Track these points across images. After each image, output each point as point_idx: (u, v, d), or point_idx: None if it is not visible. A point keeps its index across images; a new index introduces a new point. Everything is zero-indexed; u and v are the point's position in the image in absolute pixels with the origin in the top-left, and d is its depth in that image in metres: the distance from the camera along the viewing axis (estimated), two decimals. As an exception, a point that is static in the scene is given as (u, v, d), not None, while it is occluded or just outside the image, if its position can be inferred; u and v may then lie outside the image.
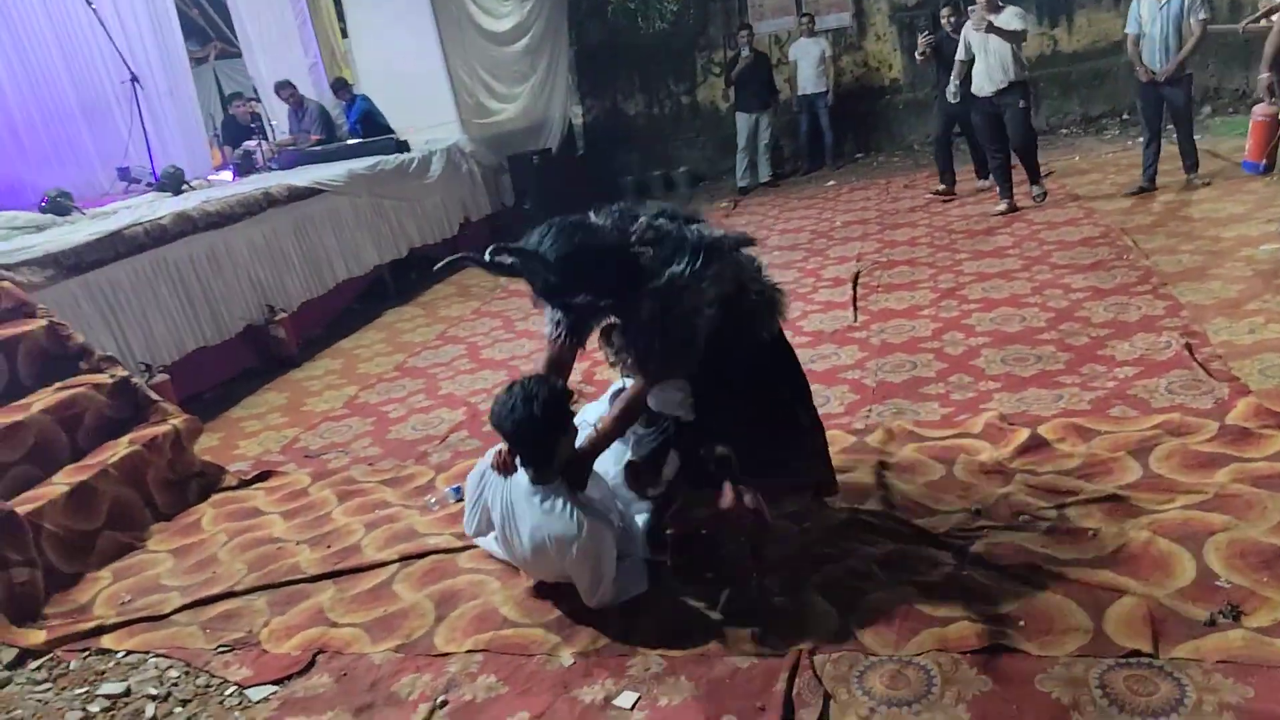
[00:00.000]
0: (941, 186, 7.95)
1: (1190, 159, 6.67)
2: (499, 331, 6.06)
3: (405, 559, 3.24)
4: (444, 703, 2.47)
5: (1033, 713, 2.09)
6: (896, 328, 4.84)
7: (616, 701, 2.34)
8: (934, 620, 2.45)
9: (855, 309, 5.25)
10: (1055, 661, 2.23)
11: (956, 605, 2.49)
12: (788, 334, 2.95)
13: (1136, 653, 2.20)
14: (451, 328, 6.34)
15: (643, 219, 2.62)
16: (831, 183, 9.72)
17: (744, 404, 2.72)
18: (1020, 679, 2.19)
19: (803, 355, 4.58)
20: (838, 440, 3.54)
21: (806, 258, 6.62)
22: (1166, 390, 3.59)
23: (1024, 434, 3.38)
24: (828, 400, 3.98)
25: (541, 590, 2.87)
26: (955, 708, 2.14)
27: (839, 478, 3.03)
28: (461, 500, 3.63)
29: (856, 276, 5.84)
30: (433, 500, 3.68)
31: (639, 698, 2.34)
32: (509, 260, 2.49)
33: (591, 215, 2.68)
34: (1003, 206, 6.93)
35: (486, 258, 2.50)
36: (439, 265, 2.91)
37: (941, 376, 4.10)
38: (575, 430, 2.75)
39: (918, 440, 3.51)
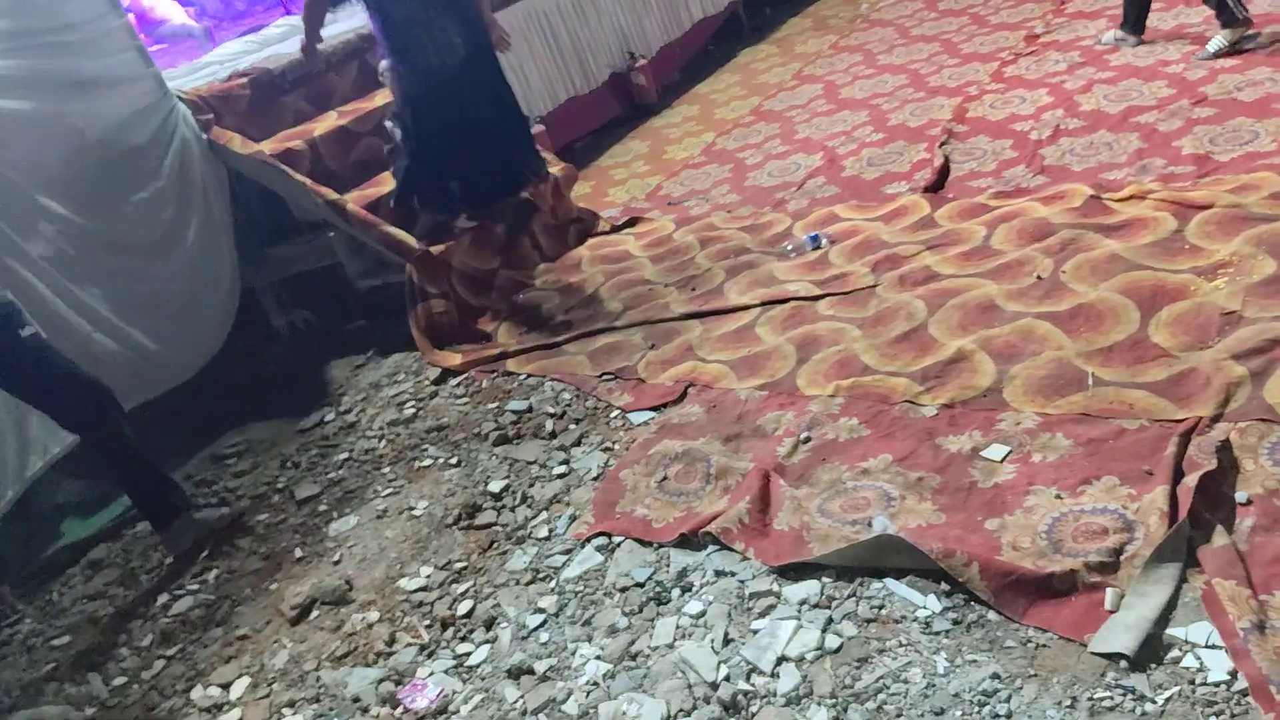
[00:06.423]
0: None
1: None
2: (859, 67, 5.72)
3: (766, 304, 3.32)
4: (808, 439, 2.57)
5: None
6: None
7: (985, 453, 2.30)
8: (1374, 393, 2.12)
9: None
10: None
11: (1406, 377, 2.14)
12: None
13: None
14: (808, 65, 6.09)
15: None
16: None
17: None
18: None
19: None
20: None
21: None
22: None
23: None
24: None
25: (904, 341, 2.83)
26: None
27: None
28: (820, 248, 3.62)
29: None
30: (789, 247, 3.69)
31: (1009, 451, 2.28)
32: None
33: None
34: None
35: None
36: None
37: None
38: None
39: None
